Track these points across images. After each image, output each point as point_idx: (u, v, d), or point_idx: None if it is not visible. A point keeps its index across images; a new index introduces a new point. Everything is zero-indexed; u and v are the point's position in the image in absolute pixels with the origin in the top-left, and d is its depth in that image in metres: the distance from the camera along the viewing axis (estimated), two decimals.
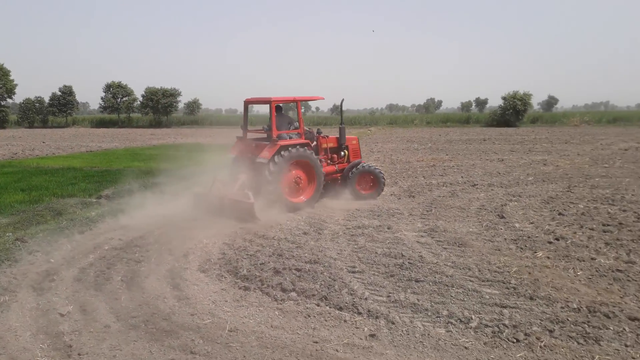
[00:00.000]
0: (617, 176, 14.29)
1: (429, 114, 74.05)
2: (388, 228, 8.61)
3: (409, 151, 24.28)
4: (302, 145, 10.16)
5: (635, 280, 5.89)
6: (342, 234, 8.33)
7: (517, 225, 8.71)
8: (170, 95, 64.80)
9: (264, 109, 10.31)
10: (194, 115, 70.19)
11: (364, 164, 11.48)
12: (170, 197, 11.20)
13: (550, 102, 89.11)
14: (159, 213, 9.62)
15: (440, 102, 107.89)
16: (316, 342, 4.54)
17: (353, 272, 6.33)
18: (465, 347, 4.40)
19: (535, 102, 72.33)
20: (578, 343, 4.41)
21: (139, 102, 67.04)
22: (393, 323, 4.88)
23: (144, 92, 65.63)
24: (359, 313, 5.13)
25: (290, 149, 9.88)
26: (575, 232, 8.14)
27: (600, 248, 7.25)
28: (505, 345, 4.41)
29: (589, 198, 11.04)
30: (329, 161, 11.52)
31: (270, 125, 10.11)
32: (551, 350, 4.30)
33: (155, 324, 4.99)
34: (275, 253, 7.17)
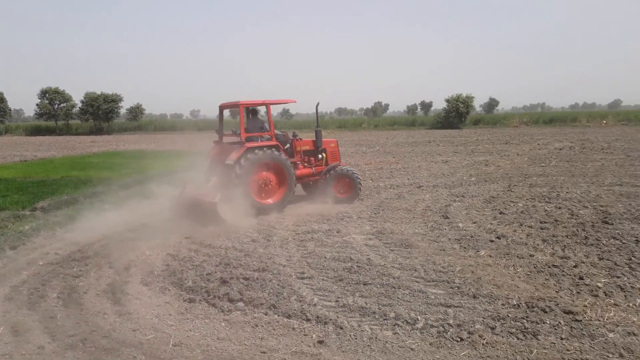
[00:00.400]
0: (553, 175, 15.03)
1: (376, 118, 75.28)
2: (337, 232, 8.64)
3: (357, 154, 24.55)
4: (270, 147, 10.22)
5: (570, 275, 6.18)
6: (291, 239, 8.27)
7: (460, 225, 8.97)
8: (112, 100, 62.37)
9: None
10: (137, 121, 67.93)
11: (341, 167, 11.56)
12: (111, 207, 10.76)
13: (492, 104, 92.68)
14: (99, 225, 9.21)
15: (387, 106, 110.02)
16: (264, 352, 4.46)
17: (302, 279, 6.29)
18: (412, 349, 4.45)
19: (477, 104, 75.00)
20: (518, 338, 4.57)
21: (78, 109, 64.07)
22: (341, 328, 4.87)
23: (83, 98, 62.81)
24: (308, 320, 5.09)
25: (257, 151, 9.96)
26: (515, 230, 8.48)
27: (538, 245, 7.57)
28: (449, 345, 4.50)
29: (527, 197, 11.54)
30: (305, 164, 11.60)
31: (238, 128, 10.32)
32: (493, 347, 4.43)
33: (94, 342, 4.75)
34: (222, 262, 7.01)
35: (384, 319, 5.03)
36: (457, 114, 51.60)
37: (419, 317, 5.01)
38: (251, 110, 10.90)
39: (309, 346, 4.57)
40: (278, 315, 5.23)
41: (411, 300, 5.47)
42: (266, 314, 5.27)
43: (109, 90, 65.19)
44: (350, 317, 5.12)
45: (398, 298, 5.54)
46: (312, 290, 5.91)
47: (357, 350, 4.46)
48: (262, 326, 5.01)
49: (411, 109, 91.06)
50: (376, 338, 4.66)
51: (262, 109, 11.82)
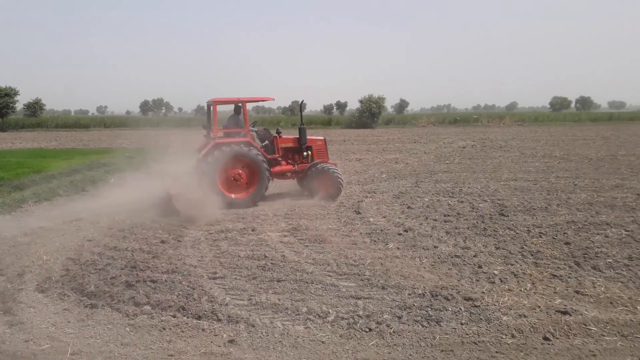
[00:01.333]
0: (456, 171, 16.00)
1: (294, 116, 75.51)
2: (252, 230, 8.56)
3: None
4: (237, 143, 10.49)
5: (470, 264, 6.61)
6: (204, 239, 8.06)
7: (371, 219, 9.26)
8: (6, 95, 56.89)
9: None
10: (37, 117, 62.64)
11: (323, 165, 11.52)
12: (3, 209, 9.85)
13: (402, 105, 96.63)
14: None
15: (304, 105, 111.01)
16: (171, 355, 4.31)
17: (214, 279, 6.15)
18: (322, 342, 4.52)
19: (389, 105, 77.83)
20: (422, 326, 4.80)
21: None
22: (253, 326, 4.83)
23: None
24: (219, 320, 4.99)
25: (224, 147, 10.28)
26: (421, 224, 8.91)
27: (442, 237, 8.01)
28: (359, 336, 4.62)
29: (433, 192, 12.18)
30: (289, 161, 11.81)
31: (211, 123, 10.84)
32: (399, 335, 4.62)
33: None
34: (128, 265, 6.66)
35: (296, 314, 5.06)
36: (370, 114, 53.17)
37: (331, 310, 5.10)
38: (236, 108, 11.37)
39: (219, 346, 4.48)
40: (187, 317, 5.07)
41: (323, 294, 5.56)
42: (174, 317, 5.09)
43: (2, 83, 59.17)
44: (262, 315, 5.09)
45: (311, 293, 5.61)
46: (224, 290, 5.80)
47: (269, 347, 4.45)
48: (170, 329, 4.84)
49: (327, 109, 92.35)
50: (288, 333, 4.68)
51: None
